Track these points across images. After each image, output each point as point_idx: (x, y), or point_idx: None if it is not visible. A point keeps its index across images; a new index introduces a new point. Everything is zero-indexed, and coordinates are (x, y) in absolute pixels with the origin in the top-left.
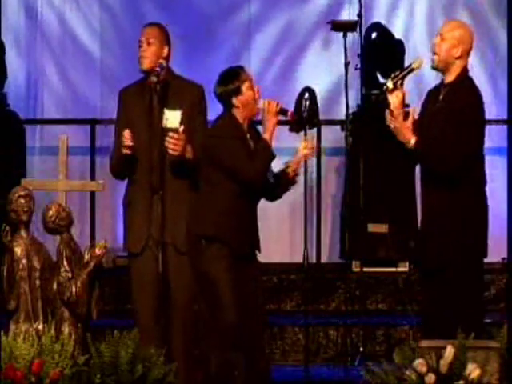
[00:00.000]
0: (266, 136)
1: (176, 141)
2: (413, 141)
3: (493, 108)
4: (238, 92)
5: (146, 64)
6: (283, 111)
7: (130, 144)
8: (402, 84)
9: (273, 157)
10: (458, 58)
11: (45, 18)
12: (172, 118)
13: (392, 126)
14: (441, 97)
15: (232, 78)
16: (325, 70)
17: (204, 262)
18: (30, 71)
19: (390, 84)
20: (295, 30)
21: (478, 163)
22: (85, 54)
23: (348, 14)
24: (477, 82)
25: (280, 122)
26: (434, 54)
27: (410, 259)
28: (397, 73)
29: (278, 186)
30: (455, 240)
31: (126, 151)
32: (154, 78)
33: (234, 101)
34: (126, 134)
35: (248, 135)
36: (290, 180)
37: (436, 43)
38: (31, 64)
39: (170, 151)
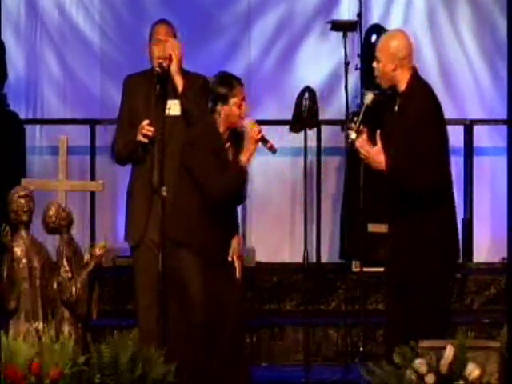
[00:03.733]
0: (243, 158)
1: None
2: (383, 163)
3: (493, 105)
4: (223, 101)
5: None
6: (264, 140)
7: (150, 134)
8: (363, 126)
9: (244, 179)
10: (395, 70)
11: (45, 8)
12: (174, 107)
13: (362, 156)
14: (396, 107)
15: (224, 84)
16: (324, 59)
17: (175, 262)
18: (29, 61)
19: (353, 135)
20: (294, 20)
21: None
22: (85, 44)
23: (348, 3)
24: (478, 77)
25: (280, 122)
26: (376, 76)
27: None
28: (354, 119)
29: None
30: (424, 256)
31: (143, 139)
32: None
33: (218, 107)
34: (146, 123)
35: (228, 144)
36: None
37: (374, 67)
38: (31, 54)
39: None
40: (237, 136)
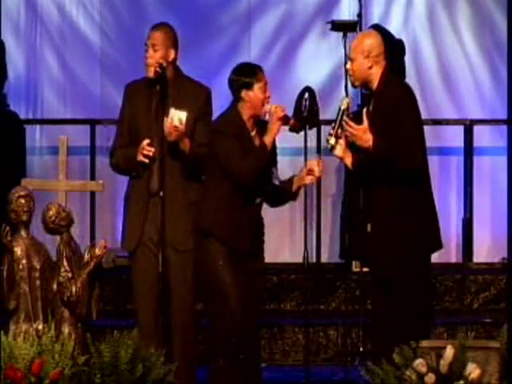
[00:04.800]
0: (266, 139)
1: (174, 127)
2: (370, 141)
3: (493, 105)
4: (249, 87)
5: (152, 72)
6: (287, 118)
7: (151, 154)
8: (341, 131)
9: (267, 160)
10: (371, 68)
11: (45, 8)
12: (177, 118)
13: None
14: (371, 107)
15: (249, 72)
16: (324, 59)
17: (203, 257)
18: (29, 61)
19: (332, 141)
20: (294, 20)
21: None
22: (85, 44)
23: (348, 3)
24: (478, 77)
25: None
26: (350, 76)
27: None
28: (332, 125)
29: (281, 193)
30: (406, 246)
31: (144, 160)
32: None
33: (243, 94)
34: (146, 144)
35: (254, 132)
36: (290, 194)
37: (348, 68)
38: (31, 54)
39: (166, 135)
40: (262, 124)
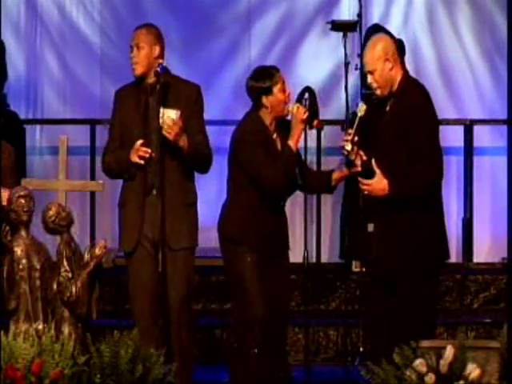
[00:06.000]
0: (291, 142)
1: (172, 124)
2: (387, 187)
3: (493, 105)
4: (268, 92)
5: (138, 70)
6: (310, 120)
7: (147, 156)
8: (356, 136)
9: (296, 163)
10: (392, 69)
11: (45, 8)
12: (168, 117)
13: (366, 190)
14: (387, 108)
15: (265, 76)
16: (324, 59)
17: (230, 260)
18: (29, 61)
19: (348, 147)
20: (294, 20)
21: None
22: (85, 44)
23: (348, 3)
24: (478, 77)
25: None
26: (375, 89)
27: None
28: (348, 131)
29: (317, 184)
30: (410, 249)
31: (139, 161)
32: (152, 78)
33: (264, 100)
34: (140, 144)
35: (275, 135)
36: (329, 186)
37: (370, 81)
38: (31, 54)
39: (165, 133)
40: (282, 125)
